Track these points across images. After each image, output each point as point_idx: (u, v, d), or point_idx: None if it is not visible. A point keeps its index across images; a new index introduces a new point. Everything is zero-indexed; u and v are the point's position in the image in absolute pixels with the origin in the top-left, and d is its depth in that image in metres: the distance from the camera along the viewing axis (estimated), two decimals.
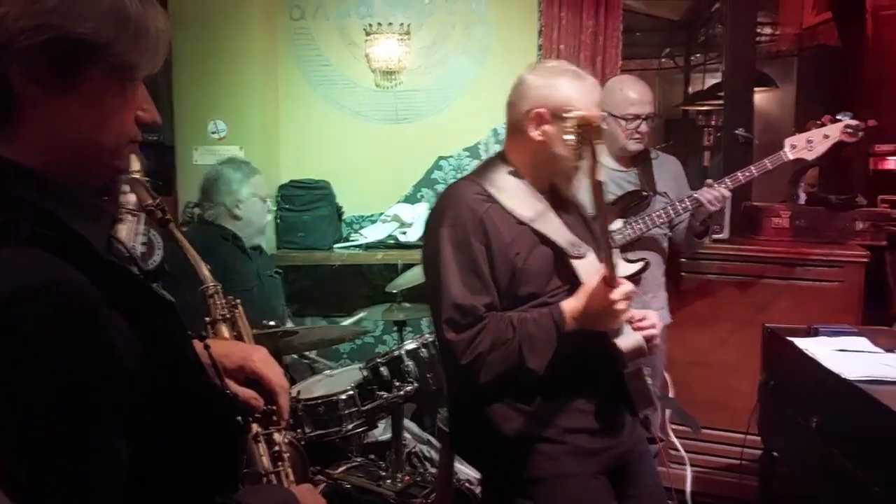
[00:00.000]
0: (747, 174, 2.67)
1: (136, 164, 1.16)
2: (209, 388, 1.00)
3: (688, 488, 3.06)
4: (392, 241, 3.90)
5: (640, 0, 5.80)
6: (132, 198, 1.28)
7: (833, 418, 2.03)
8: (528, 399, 1.76)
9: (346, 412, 2.58)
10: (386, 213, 4.04)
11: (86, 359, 0.74)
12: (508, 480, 1.79)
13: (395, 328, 3.20)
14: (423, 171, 4.11)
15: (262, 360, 1.22)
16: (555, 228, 1.79)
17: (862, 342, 2.26)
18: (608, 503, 1.77)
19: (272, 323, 2.49)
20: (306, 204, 3.92)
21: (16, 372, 0.71)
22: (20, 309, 0.72)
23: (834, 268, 3.05)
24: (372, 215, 4.11)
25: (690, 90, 8.01)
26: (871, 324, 2.79)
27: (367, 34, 4.02)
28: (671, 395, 2.99)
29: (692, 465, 3.10)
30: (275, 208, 3.77)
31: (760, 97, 5.56)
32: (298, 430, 2.52)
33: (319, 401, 2.58)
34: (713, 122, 7.38)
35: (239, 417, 1.17)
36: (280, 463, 1.26)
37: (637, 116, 2.73)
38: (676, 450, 3.11)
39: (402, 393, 2.58)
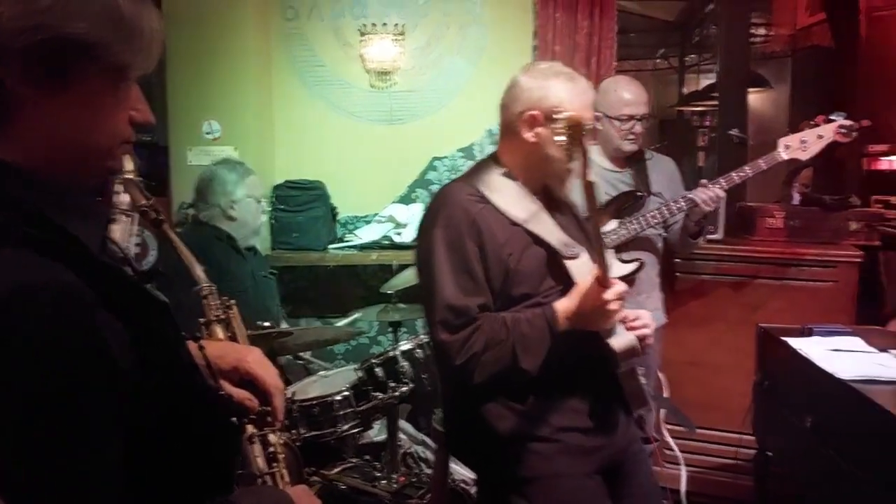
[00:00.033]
0: (742, 174, 2.68)
1: (129, 164, 1.15)
2: (203, 389, 1.00)
3: (683, 488, 3.07)
4: (387, 242, 3.90)
5: (635, 1, 5.82)
6: (125, 198, 1.27)
7: (827, 418, 2.03)
8: (522, 398, 1.76)
9: (342, 413, 2.57)
10: (381, 214, 4.04)
11: (80, 360, 0.74)
12: (503, 480, 1.79)
13: (390, 329, 3.20)
14: (417, 171, 4.11)
15: (256, 361, 1.22)
16: (548, 229, 1.79)
17: (856, 342, 2.27)
18: (602, 502, 1.78)
19: (267, 324, 2.49)
20: (301, 205, 3.91)
21: (11, 373, 0.71)
22: (15, 310, 0.71)
23: (828, 268, 3.06)
24: (366, 216, 4.11)
25: (685, 91, 8.04)
26: (864, 323, 2.79)
27: (362, 35, 4.02)
28: (666, 394, 2.99)
29: (687, 465, 3.10)
30: (269, 209, 3.77)
31: (754, 98, 5.59)
32: (293, 431, 2.52)
33: (314, 402, 2.58)
34: (707, 123, 7.41)
35: (234, 418, 1.17)
36: (275, 464, 1.26)
37: (631, 117, 2.73)
38: (671, 449, 3.11)
39: (397, 394, 2.57)
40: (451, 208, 1.76)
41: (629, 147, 2.78)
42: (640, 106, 2.76)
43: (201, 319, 1.39)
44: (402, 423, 2.99)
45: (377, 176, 4.10)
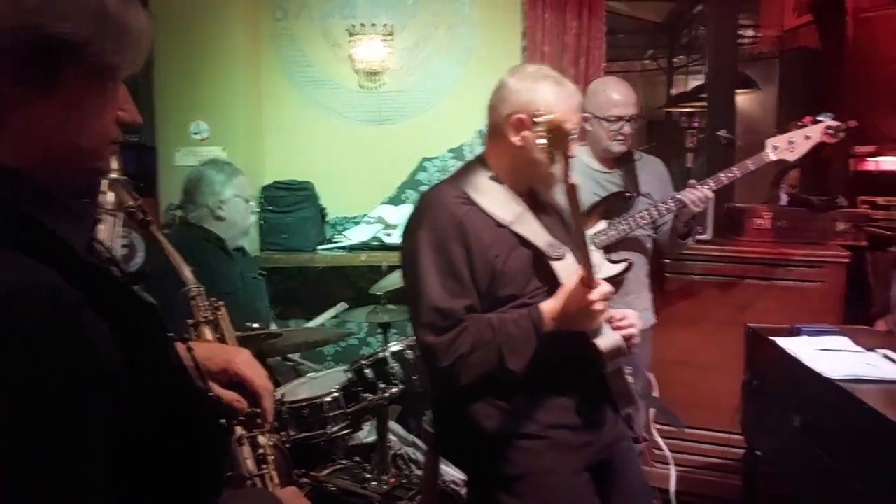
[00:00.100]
0: (730, 175, 2.69)
1: (113, 164, 1.15)
2: (192, 391, 0.99)
3: (672, 487, 3.08)
4: (376, 243, 3.89)
5: (624, 2, 5.83)
6: (110, 197, 1.26)
7: (815, 417, 2.04)
8: (510, 397, 1.77)
9: (331, 414, 2.56)
10: (370, 215, 4.03)
11: (67, 362, 0.74)
12: (492, 479, 1.80)
13: (379, 330, 3.19)
14: (407, 172, 4.11)
15: (245, 363, 1.22)
16: (534, 230, 1.80)
17: (843, 341, 2.29)
18: (590, 499, 1.78)
19: (256, 325, 2.47)
20: (290, 205, 3.90)
21: None
22: (1, 311, 0.71)
23: (815, 268, 3.08)
24: (356, 217, 4.10)
25: (673, 92, 8.07)
26: (852, 323, 2.81)
27: (351, 35, 4.01)
28: (655, 394, 3.00)
29: (676, 465, 3.11)
30: (258, 210, 3.75)
31: (742, 99, 5.61)
32: (283, 433, 2.51)
33: (304, 403, 2.57)
34: (696, 124, 7.44)
35: (222, 420, 1.16)
36: (264, 466, 1.25)
37: (620, 118, 2.74)
38: (660, 449, 3.12)
39: (387, 395, 2.57)
40: (436, 210, 1.77)
41: (618, 148, 2.78)
42: (629, 107, 2.76)
43: (189, 321, 1.38)
44: (392, 425, 2.99)
45: (366, 177, 4.10)
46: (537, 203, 1.89)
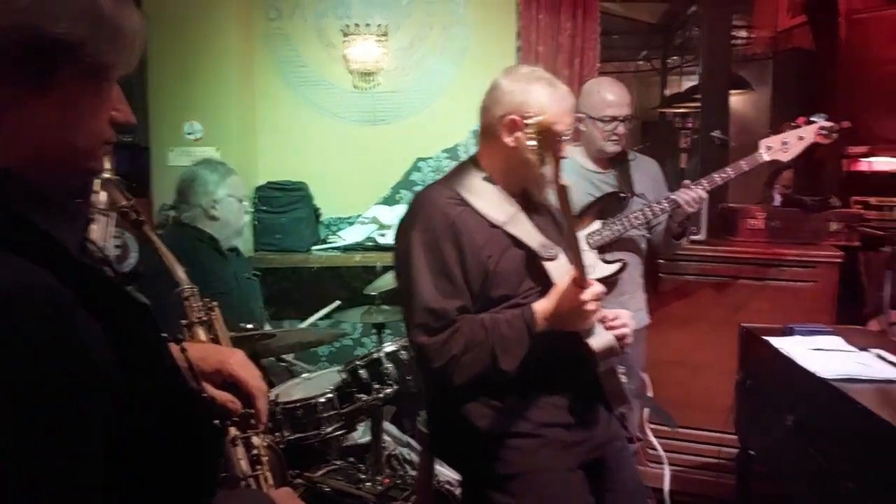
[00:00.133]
0: (724, 176, 2.69)
1: (105, 164, 1.14)
2: (186, 392, 0.99)
3: (666, 487, 3.08)
4: (370, 243, 3.89)
5: (618, 3, 5.85)
6: (103, 197, 1.26)
7: (809, 417, 2.05)
8: (504, 397, 1.78)
9: (325, 415, 2.56)
10: (364, 215, 4.03)
11: (60, 362, 0.73)
12: (486, 478, 1.80)
13: (373, 330, 3.19)
14: (401, 172, 4.11)
15: (239, 363, 1.21)
16: (527, 231, 1.80)
17: (836, 341, 2.29)
18: (584, 496, 1.79)
19: (250, 326, 2.47)
20: (284, 206, 3.90)
21: None
22: None
23: (808, 268, 3.09)
24: (350, 217, 4.10)
25: (667, 92, 8.09)
26: (845, 323, 2.82)
27: (345, 35, 4.01)
28: (649, 394, 3.00)
29: (670, 464, 3.11)
30: (252, 210, 3.74)
31: (736, 99, 5.62)
32: (277, 434, 2.50)
33: (298, 404, 2.56)
34: (690, 125, 7.46)
35: (216, 421, 1.16)
36: (258, 466, 1.25)
37: (614, 118, 2.74)
38: (654, 449, 3.13)
39: (381, 395, 2.57)
40: (429, 211, 1.77)
41: (612, 148, 2.79)
42: (623, 107, 2.77)
43: (183, 321, 1.38)
44: (387, 425, 2.98)
45: (361, 177, 4.10)
46: (530, 204, 1.89)
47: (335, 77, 4.07)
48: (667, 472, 3.09)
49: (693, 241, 3.13)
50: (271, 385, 2.78)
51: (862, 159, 4.09)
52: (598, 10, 4.00)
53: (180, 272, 1.40)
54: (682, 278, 3.22)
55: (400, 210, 3.92)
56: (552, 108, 1.76)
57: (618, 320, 1.83)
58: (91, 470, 0.76)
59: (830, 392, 1.90)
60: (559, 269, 1.76)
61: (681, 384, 3.09)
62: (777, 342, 2.29)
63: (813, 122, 2.65)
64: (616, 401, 1.84)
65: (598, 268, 2.65)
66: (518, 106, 1.77)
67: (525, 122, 1.72)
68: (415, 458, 2.90)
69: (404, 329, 1.87)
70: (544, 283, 1.76)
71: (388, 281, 3.15)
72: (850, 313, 3.11)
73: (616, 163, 2.86)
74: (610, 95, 2.77)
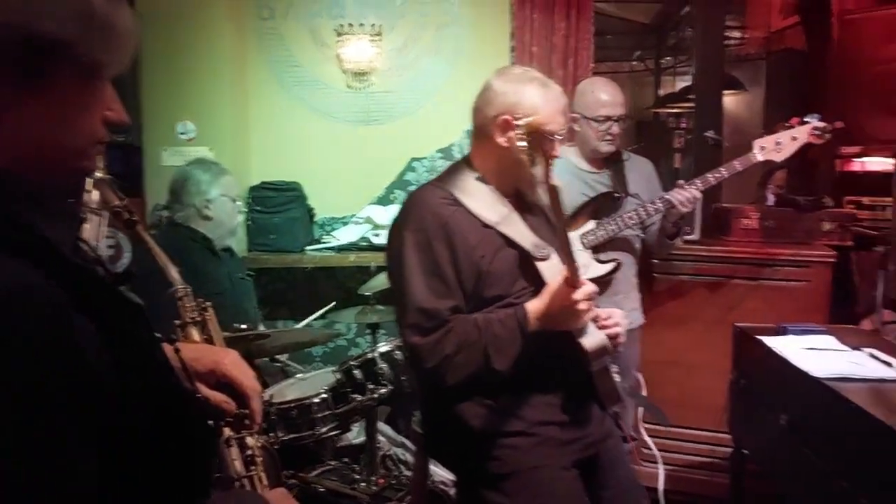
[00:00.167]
0: (717, 176, 2.70)
1: (98, 163, 1.14)
2: (179, 392, 0.99)
3: (660, 486, 3.09)
4: (365, 243, 3.88)
5: (612, 3, 5.85)
6: (94, 196, 1.25)
7: (802, 416, 2.05)
8: (497, 396, 1.78)
9: (320, 415, 2.56)
10: (358, 215, 4.02)
11: (54, 362, 0.73)
12: (481, 477, 1.80)
13: (368, 331, 3.18)
14: (395, 172, 4.11)
15: (233, 364, 1.21)
16: (520, 231, 1.80)
17: (829, 340, 2.30)
18: (579, 494, 1.79)
19: (244, 326, 2.46)
20: (278, 206, 3.89)
21: None
22: None
23: (801, 268, 3.09)
24: (344, 217, 4.09)
25: (661, 93, 8.10)
26: (838, 322, 2.83)
27: (339, 35, 4.00)
28: (643, 393, 3.01)
29: (664, 464, 3.13)
30: (245, 210, 3.74)
31: (729, 100, 5.64)
32: (271, 434, 2.50)
33: (292, 404, 2.56)
34: (683, 125, 7.46)
35: (210, 421, 1.16)
36: (253, 467, 1.25)
37: (608, 118, 2.75)
38: (649, 448, 3.14)
39: (375, 395, 2.56)
40: (421, 211, 1.78)
41: (606, 148, 2.79)
42: (617, 107, 2.77)
43: (177, 321, 1.37)
44: (381, 426, 2.98)
45: (355, 177, 4.09)
46: (523, 204, 1.90)
47: (329, 77, 4.06)
48: (661, 471, 3.11)
49: (687, 241, 3.14)
50: (265, 385, 2.78)
51: (855, 159, 4.11)
52: (592, 10, 4.00)
53: (174, 272, 1.40)
54: (676, 278, 3.23)
55: (394, 210, 3.91)
56: (545, 109, 1.76)
57: (610, 319, 1.83)
58: (86, 470, 0.76)
59: (823, 391, 1.90)
60: (552, 269, 1.76)
61: (675, 384, 3.10)
62: (770, 342, 2.30)
63: (806, 122, 2.66)
64: (610, 400, 1.84)
65: (592, 267, 2.66)
66: (511, 106, 1.77)
67: (515, 122, 1.72)
68: (409, 458, 2.90)
69: (398, 329, 1.87)
70: (537, 283, 1.76)
71: (382, 281, 3.15)
72: (842, 313, 3.12)
73: (610, 163, 2.86)
74: (604, 95, 2.77)
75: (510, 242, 1.79)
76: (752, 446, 2.50)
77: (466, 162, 1.90)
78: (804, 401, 2.04)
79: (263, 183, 3.93)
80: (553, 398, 1.80)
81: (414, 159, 4.10)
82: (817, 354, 2.15)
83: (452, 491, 2.58)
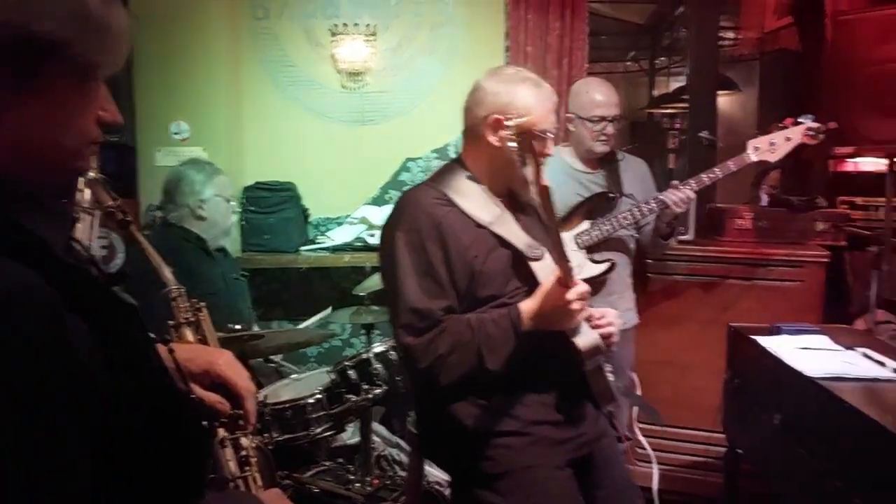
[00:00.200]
0: (711, 176, 2.71)
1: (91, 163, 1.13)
2: (174, 393, 0.99)
3: (654, 486, 3.09)
4: (360, 244, 3.88)
5: (606, 3, 5.86)
6: (86, 195, 1.25)
7: (796, 415, 2.06)
8: (491, 395, 1.78)
9: (314, 416, 2.56)
10: (353, 216, 4.02)
11: (47, 363, 0.73)
12: (476, 477, 1.80)
13: (362, 331, 3.18)
14: (390, 172, 4.10)
15: (227, 364, 1.21)
16: (513, 231, 1.81)
17: (823, 340, 2.31)
18: (573, 494, 1.79)
19: (238, 327, 2.46)
20: (272, 206, 3.88)
21: None
22: None
23: (795, 268, 3.10)
24: (339, 217, 4.09)
25: (655, 93, 8.10)
26: (831, 322, 2.84)
27: (333, 35, 4.00)
28: (638, 393, 3.02)
29: (659, 463, 3.13)
30: (240, 211, 3.73)
31: (723, 100, 5.65)
32: (265, 435, 2.49)
33: (287, 405, 2.56)
34: (678, 125, 7.46)
35: (205, 422, 1.16)
36: (247, 468, 1.25)
37: (603, 118, 2.75)
38: (643, 448, 3.14)
39: (370, 396, 2.56)
40: (414, 211, 1.78)
41: (601, 148, 2.79)
42: (612, 107, 2.78)
43: (171, 322, 1.37)
44: (376, 426, 2.98)
45: (349, 177, 4.08)
46: (516, 203, 1.90)
47: (323, 77, 4.05)
48: (655, 470, 3.11)
49: (681, 241, 3.15)
50: (260, 386, 2.77)
51: (848, 160, 4.13)
52: (587, 10, 4.01)
53: (167, 273, 1.40)
54: (670, 278, 3.23)
55: (389, 210, 3.91)
56: (536, 108, 1.77)
57: (604, 319, 1.84)
58: (75, 471, 0.76)
59: (817, 391, 1.91)
60: (545, 269, 1.76)
61: (669, 383, 3.11)
62: (765, 341, 2.30)
63: (800, 122, 2.67)
64: (604, 399, 1.85)
65: (586, 268, 2.66)
66: (501, 106, 1.78)
67: (505, 123, 1.72)
68: (404, 458, 2.90)
69: (391, 329, 1.86)
70: (531, 283, 1.77)
71: (377, 281, 3.14)
72: (836, 312, 3.13)
73: (605, 163, 2.86)
74: (598, 96, 2.78)
75: (503, 242, 1.79)
76: (747, 446, 2.51)
77: (459, 162, 1.90)
78: (798, 400, 2.05)
79: (258, 183, 3.92)
80: (547, 398, 1.80)
81: (409, 159, 4.09)
82: (811, 354, 2.16)
83: (447, 491, 2.57)
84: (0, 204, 0.78)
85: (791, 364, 2.08)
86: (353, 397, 2.56)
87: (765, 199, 4.02)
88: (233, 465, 1.22)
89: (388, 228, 1.82)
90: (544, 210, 1.56)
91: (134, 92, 3.71)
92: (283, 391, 2.77)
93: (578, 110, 2.78)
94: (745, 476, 2.59)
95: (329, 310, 3.42)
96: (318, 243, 3.93)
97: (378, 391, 2.56)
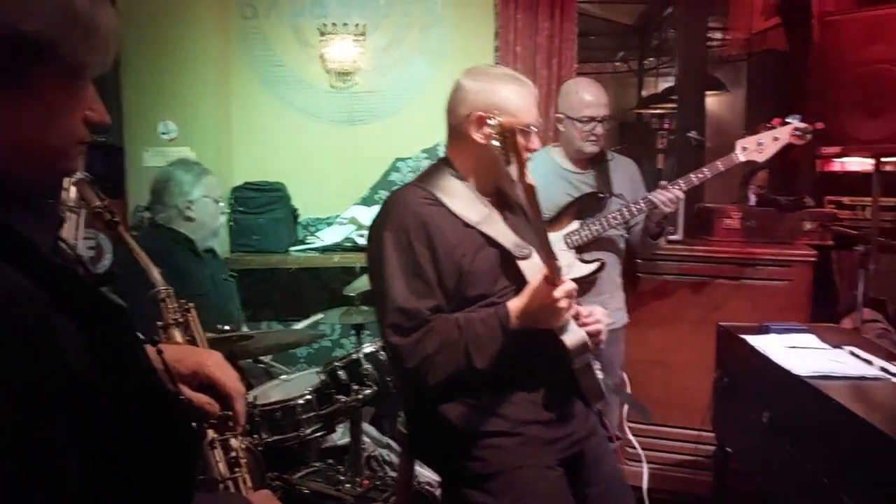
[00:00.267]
0: (700, 176, 2.72)
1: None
2: (162, 394, 0.98)
3: (644, 485, 3.11)
4: (349, 244, 3.87)
5: (595, 4, 5.88)
6: (72, 194, 1.24)
7: (784, 413, 2.07)
8: (480, 395, 1.78)
9: (304, 417, 2.55)
10: (343, 216, 4.01)
11: (34, 363, 0.72)
12: (466, 478, 1.80)
13: (352, 332, 3.18)
14: (380, 172, 4.10)
15: (216, 365, 1.20)
16: (501, 230, 1.81)
17: (810, 339, 2.32)
18: (564, 493, 1.79)
19: (227, 327, 2.45)
20: (261, 206, 3.86)
21: None
22: None
23: (783, 267, 3.12)
24: (328, 218, 4.08)
25: (644, 93, 8.14)
26: (819, 321, 2.86)
27: (322, 35, 3.99)
28: (627, 391, 3.03)
29: (648, 462, 3.14)
30: (228, 211, 3.71)
31: (712, 101, 5.68)
32: (255, 436, 2.48)
33: (277, 406, 2.55)
34: (666, 125, 7.51)
35: (194, 423, 1.15)
36: (237, 469, 1.24)
37: (592, 118, 2.76)
38: (633, 447, 3.15)
39: (360, 396, 2.56)
40: (402, 211, 1.77)
41: (590, 148, 2.80)
42: (601, 108, 2.78)
43: (159, 323, 1.36)
44: (366, 427, 2.98)
45: (339, 177, 4.07)
46: (504, 203, 1.90)
47: (312, 77, 4.04)
48: (645, 470, 3.12)
49: (670, 241, 3.16)
50: (249, 387, 2.76)
51: (835, 160, 4.14)
52: (576, 11, 4.02)
53: (156, 273, 1.39)
54: (660, 278, 3.24)
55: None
56: (517, 102, 1.78)
57: (591, 317, 1.84)
58: (68, 472, 0.75)
59: (805, 389, 1.92)
60: (533, 268, 1.76)
61: (659, 383, 3.12)
62: (753, 340, 2.31)
63: (788, 122, 2.68)
64: (593, 396, 1.85)
65: (576, 267, 2.67)
66: (483, 104, 1.78)
67: (487, 121, 1.72)
68: (394, 459, 2.90)
69: (379, 329, 1.86)
70: (519, 282, 1.77)
71: (366, 282, 3.13)
72: (823, 311, 3.15)
73: (594, 163, 2.87)
74: (588, 96, 2.78)
75: (491, 242, 1.79)
76: (736, 444, 2.52)
77: (446, 162, 1.90)
78: (786, 399, 2.06)
79: (246, 183, 3.91)
80: (536, 396, 1.80)
81: (398, 159, 4.09)
82: (799, 353, 2.17)
83: (438, 492, 2.57)
84: None
85: (779, 363, 2.09)
86: (343, 398, 2.55)
87: (753, 199, 4.05)
88: (222, 467, 1.22)
89: (376, 228, 1.82)
90: (530, 208, 1.57)
91: (121, 91, 3.69)
92: (272, 392, 2.77)
93: (568, 110, 2.78)
94: (735, 474, 2.60)
95: (320, 315, 3.41)
96: (308, 244, 3.92)
97: (368, 392, 2.56)
